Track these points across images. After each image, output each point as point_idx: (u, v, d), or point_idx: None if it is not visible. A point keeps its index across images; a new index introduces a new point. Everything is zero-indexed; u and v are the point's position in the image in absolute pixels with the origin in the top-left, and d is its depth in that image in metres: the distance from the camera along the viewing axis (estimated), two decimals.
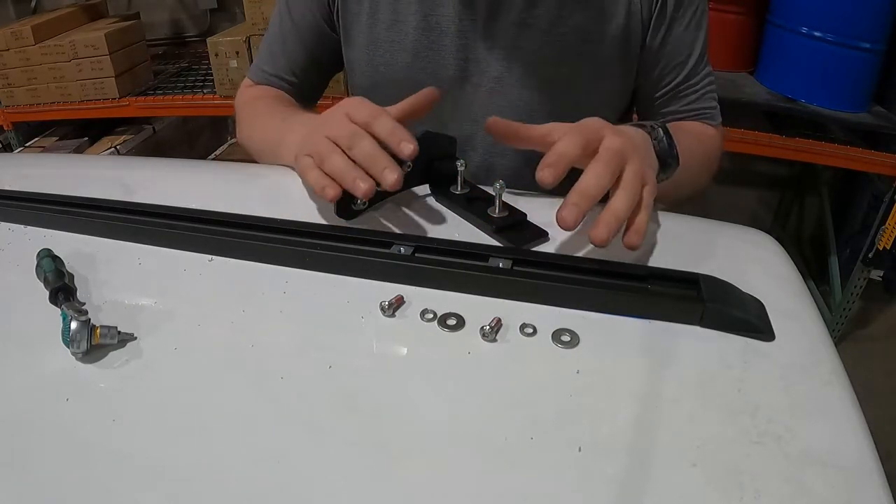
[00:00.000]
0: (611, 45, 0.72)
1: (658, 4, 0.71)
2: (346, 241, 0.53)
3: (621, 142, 0.52)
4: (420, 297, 0.48)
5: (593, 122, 0.54)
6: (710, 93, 0.79)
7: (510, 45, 0.71)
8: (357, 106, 0.56)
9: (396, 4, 0.73)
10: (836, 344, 0.75)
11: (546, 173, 0.50)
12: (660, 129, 0.61)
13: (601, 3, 0.70)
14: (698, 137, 0.76)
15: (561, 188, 0.67)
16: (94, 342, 0.43)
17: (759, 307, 0.47)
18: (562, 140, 0.51)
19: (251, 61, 1.36)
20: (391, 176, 0.51)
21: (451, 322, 0.46)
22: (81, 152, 2.17)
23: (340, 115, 0.56)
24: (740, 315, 0.45)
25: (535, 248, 0.54)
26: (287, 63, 0.82)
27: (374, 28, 0.75)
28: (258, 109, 0.80)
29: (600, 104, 0.76)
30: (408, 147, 0.53)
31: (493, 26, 0.71)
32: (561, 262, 0.50)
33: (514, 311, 0.47)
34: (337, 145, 0.54)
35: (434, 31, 0.72)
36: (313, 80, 0.85)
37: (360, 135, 0.53)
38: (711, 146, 0.78)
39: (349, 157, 0.53)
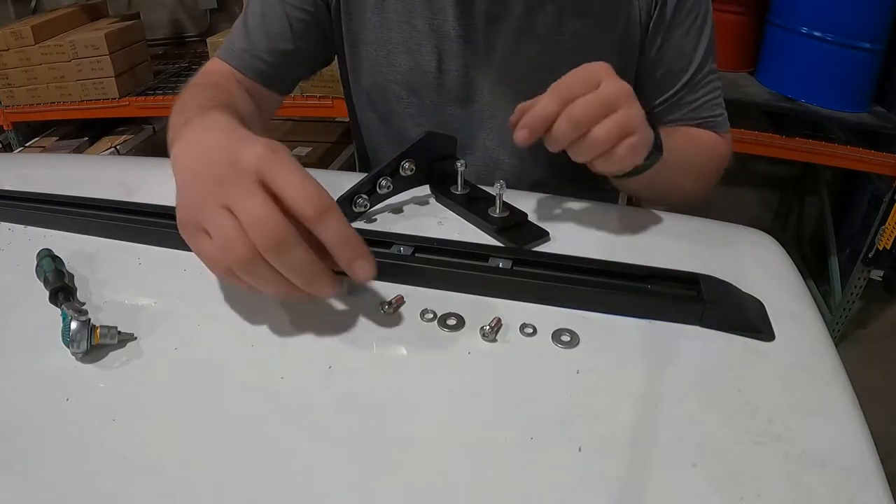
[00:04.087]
0: (609, 52, 0.71)
1: (657, 8, 0.70)
2: None
3: (617, 89, 0.51)
4: (420, 297, 0.48)
5: (592, 69, 0.53)
6: (715, 100, 0.76)
7: (509, 52, 0.71)
8: (285, 172, 0.39)
9: (405, 4, 0.72)
10: (836, 344, 0.75)
11: (520, 134, 0.52)
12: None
13: (600, 11, 0.70)
14: (693, 139, 0.74)
15: (565, 189, 0.67)
16: (94, 342, 0.43)
17: (759, 307, 0.47)
18: (541, 99, 0.52)
19: None
20: (332, 290, 0.42)
21: (451, 322, 0.46)
22: (81, 152, 2.17)
23: (250, 180, 0.39)
24: (740, 315, 0.45)
25: (535, 248, 0.54)
26: (265, 40, 0.73)
27: (382, 27, 0.74)
28: (188, 95, 0.64)
29: None
30: (365, 273, 0.42)
31: (493, 32, 0.71)
32: (561, 262, 0.50)
33: (514, 311, 0.47)
34: (248, 236, 0.39)
35: (437, 34, 0.72)
36: (290, 65, 0.76)
37: (291, 244, 0.39)
38: (710, 151, 0.75)
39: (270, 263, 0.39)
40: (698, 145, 0.74)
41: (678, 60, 0.73)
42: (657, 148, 0.58)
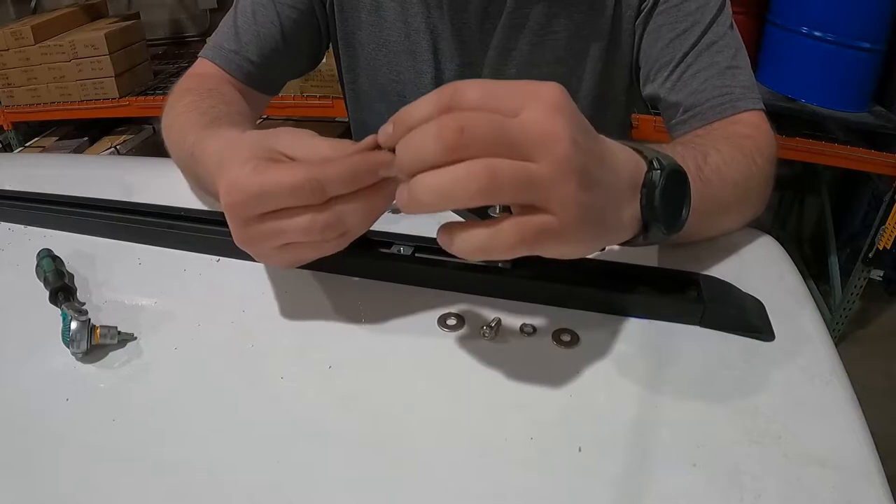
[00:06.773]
0: (602, 38, 0.70)
1: None
2: None
3: (543, 130, 0.32)
4: (420, 297, 0.48)
5: (531, 87, 0.34)
6: (736, 69, 0.64)
7: (502, 48, 0.71)
8: (272, 184, 0.38)
9: (401, 3, 0.72)
10: (836, 344, 0.75)
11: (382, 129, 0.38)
12: (661, 175, 0.39)
13: None
14: (731, 162, 0.53)
15: None
16: (94, 342, 0.43)
17: (759, 307, 0.47)
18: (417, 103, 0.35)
19: None
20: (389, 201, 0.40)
21: (452, 322, 0.46)
22: (81, 152, 2.17)
23: (258, 206, 0.39)
24: (740, 315, 0.45)
25: None
26: (255, 41, 0.71)
27: (378, 28, 0.74)
28: (183, 106, 0.62)
29: (600, 104, 0.75)
30: (386, 167, 0.38)
31: (487, 29, 0.71)
32: (561, 262, 0.50)
33: (514, 311, 0.47)
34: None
35: (433, 33, 0.72)
36: (279, 67, 0.75)
37: (335, 222, 0.39)
38: (752, 157, 0.56)
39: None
40: (738, 164, 0.54)
41: (679, 23, 0.65)
42: (669, 224, 0.41)
